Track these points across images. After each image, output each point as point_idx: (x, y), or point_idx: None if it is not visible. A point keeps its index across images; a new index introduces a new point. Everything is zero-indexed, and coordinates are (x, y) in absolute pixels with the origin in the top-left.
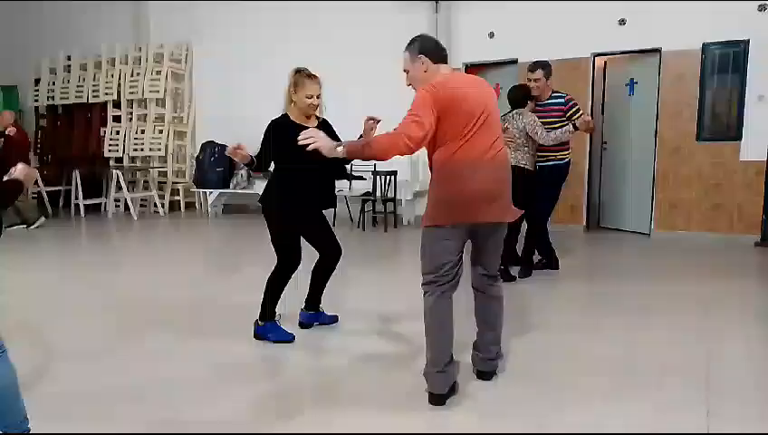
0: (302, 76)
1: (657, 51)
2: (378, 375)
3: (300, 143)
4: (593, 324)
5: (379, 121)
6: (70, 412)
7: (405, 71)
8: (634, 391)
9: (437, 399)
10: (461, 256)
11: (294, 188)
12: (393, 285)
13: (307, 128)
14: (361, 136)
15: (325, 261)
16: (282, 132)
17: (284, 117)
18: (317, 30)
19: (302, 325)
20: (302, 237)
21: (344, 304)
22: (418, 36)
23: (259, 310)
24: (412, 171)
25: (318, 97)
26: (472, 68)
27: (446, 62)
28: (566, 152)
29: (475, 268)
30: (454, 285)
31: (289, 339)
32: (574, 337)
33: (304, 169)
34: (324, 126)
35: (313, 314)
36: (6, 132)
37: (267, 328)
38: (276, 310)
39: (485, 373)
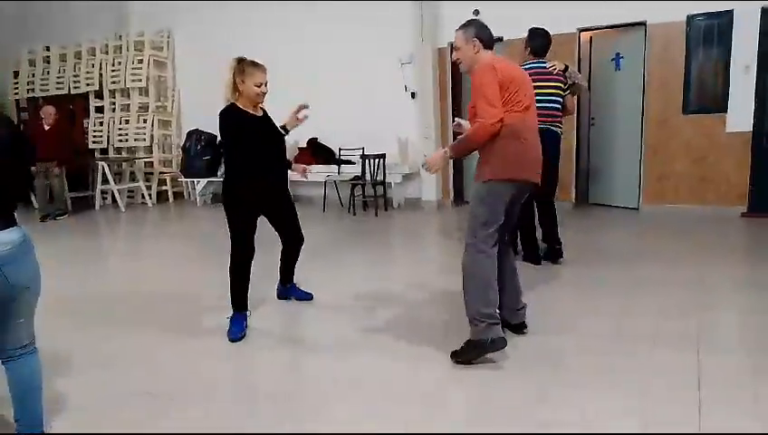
0: (248, 65)
1: (642, 24)
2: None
3: (429, 173)
4: (591, 307)
5: (306, 108)
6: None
7: (455, 48)
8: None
9: (503, 341)
10: None
11: (250, 173)
12: (386, 265)
13: (255, 117)
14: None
15: (285, 246)
16: (236, 121)
17: (232, 106)
18: (298, 15)
19: (279, 296)
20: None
21: (328, 288)
22: (475, 20)
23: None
24: (401, 154)
25: (266, 85)
26: None
27: (493, 49)
28: None
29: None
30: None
31: (232, 338)
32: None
33: (258, 156)
34: (267, 117)
35: (284, 288)
36: None
37: (232, 319)
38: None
39: (518, 325)
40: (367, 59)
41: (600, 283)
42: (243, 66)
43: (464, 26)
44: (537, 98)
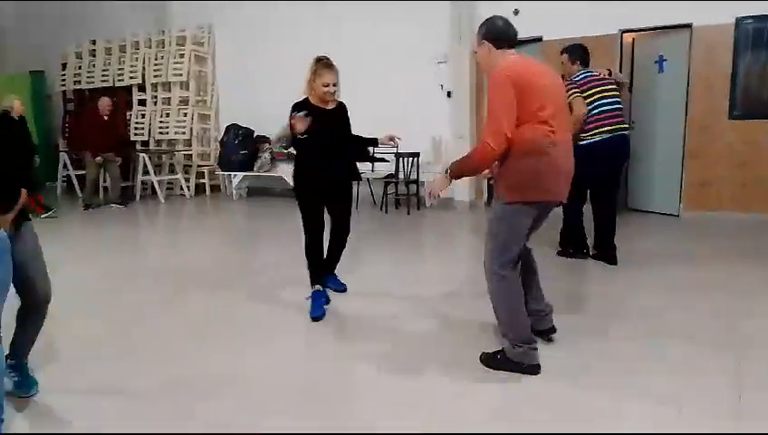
0: (320, 65)
1: (687, 26)
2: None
3: (429, 199)
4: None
5: (396, 140)
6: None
7: (474, 51)
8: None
9: (537, 369)
10: None
11: (310, 164)
12: (413, 265)
13: (326, 110)
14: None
15: (332, 234)
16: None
17: (305, 100)
18: (336, 13)
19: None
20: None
21: (359, 284)
22: (488, 20)
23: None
24: (434, 153)
25: (334, 85)
26: None
27: (514, 47)
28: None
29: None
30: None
31: (313, 316)
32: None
33: (321, 147)
34: (341, 109)
35: (323, 276)
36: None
37: (313, 295)
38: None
39: (546, 331)
40: (403, 57)
41: (641, 285)
42: (316, 66)
43: (479, 27)
44: (607, 101)
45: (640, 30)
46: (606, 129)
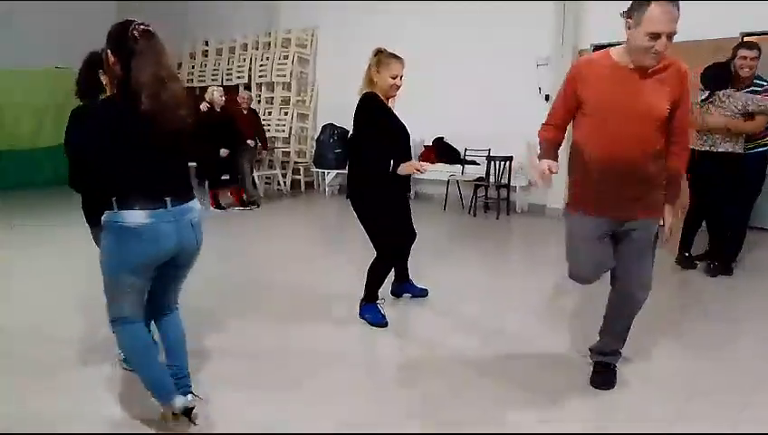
0: (385, 56)
1: None
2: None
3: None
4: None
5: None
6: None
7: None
8: None
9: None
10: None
11: (385, 165)
12: (497, 271)
13: (391, 110)
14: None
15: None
16: (382, 107)
17: (375, 94)
18: (438, 17)
19: (393, 294)
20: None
21: (444, 288)
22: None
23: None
24: (528, 157)
25: (401, 78)
26: (599, 49)
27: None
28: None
29: None
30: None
31: (380, 323)
32: None
33: (394, 148)
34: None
35: (400, 285)
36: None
37: (367, 308)
38: (379, 294)
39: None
40: (501, 59)
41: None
42: (380, 57)
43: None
44: None
45: (763, 33)
46: None
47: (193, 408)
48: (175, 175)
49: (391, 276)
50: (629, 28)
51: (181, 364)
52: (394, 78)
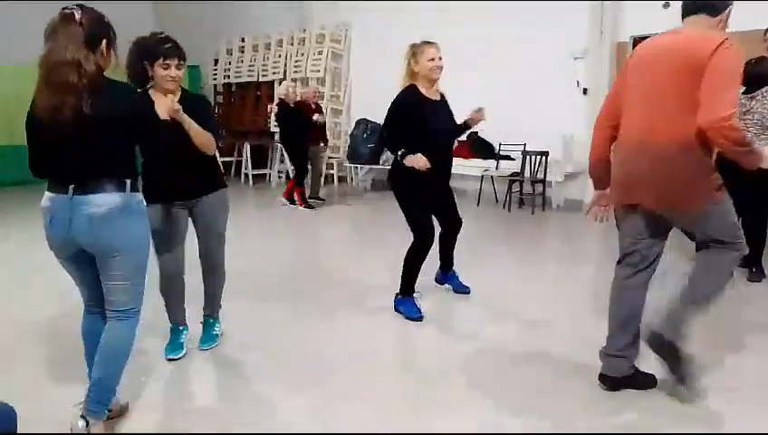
0: (418, 45)
1: None
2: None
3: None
4: None
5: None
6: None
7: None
8: None
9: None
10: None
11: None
12: (529, 268)
13: (432, 100)
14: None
15: (444, 231)
16: (414, 100)
17: (413, 86)
18: (473, 11)
19: (437, 281)
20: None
21: (478, 284)
22: None
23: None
24: (565, 152)
25: (440, 59)
26: (639, 41)
27: (693, 15)
28: None
29: None
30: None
31: (416, 317)
32: None
33: (429, 139)
34: (445, 101)
35: (444, 274)
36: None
37: (401, 301)
38: (416, 287)
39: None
40: (537, 52)
41: None
42: (414, 48)
43: None
44: None
45: None
46: None
47: None
48: (83, 163)
49: (436, 263)
50: None
51: (95, 377)
52: (432, 60)
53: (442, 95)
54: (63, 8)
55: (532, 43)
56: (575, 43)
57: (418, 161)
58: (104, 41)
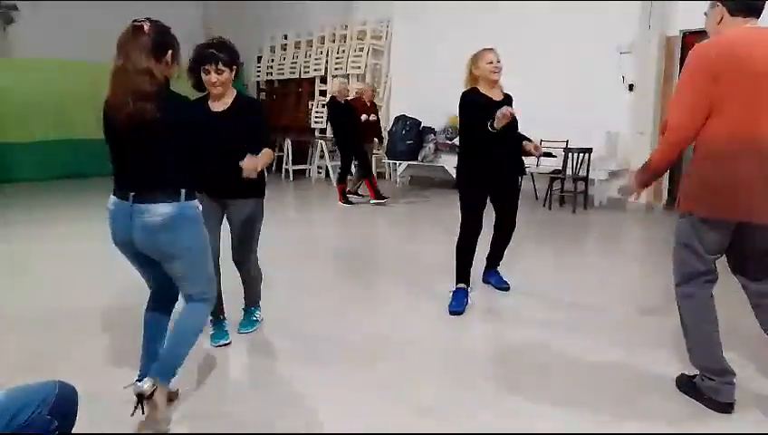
0: (477, 52)
1: None
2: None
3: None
4: None
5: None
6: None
7: (705, 13)
8: None
9: (730, 408)
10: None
11: (481, 153)
12: (575, 273)
13: (493, 100)
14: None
15: (497, 229)
16: (472, 100)
17: (474, 88)
18: (514, 6)
19: (484, 280)
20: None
21: (516, 284)
22: None
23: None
24: (608, 149)
25: (498, 62)
26: (690, 36)
27: (756, 16)
28: None
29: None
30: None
31: (453, 310)
32: None
33: (488, 137)
34: (509, 101)
35: (486, 272)
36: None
37: (453, 292)
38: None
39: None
40: (581, 46)
41: None
42: (473, 56)
43: None
44: None
45: None
46: None
47: (143, 395)
48: (143, 168)
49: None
50: None
51: (163, 351)
52: (490, 63)
53: (507, 96)
54: (134, 20)
55: (577, 36)
56: (622, 37)
57: (504, 113)
58: (170, 51)
